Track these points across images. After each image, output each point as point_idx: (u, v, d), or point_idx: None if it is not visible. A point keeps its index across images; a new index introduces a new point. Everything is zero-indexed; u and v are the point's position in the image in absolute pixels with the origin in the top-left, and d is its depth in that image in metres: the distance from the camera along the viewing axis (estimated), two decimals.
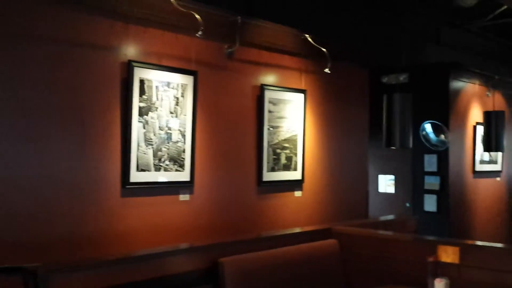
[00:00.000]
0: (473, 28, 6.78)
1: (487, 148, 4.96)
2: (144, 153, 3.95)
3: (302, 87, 5.20)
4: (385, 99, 3.67)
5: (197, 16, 3.95)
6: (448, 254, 3.27)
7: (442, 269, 3.29)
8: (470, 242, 3.70)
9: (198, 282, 3.16)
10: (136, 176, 3.89)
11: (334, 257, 3.77)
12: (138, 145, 3.90)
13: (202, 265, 3.19)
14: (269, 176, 4.88)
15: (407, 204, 6.50)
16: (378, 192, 6.82)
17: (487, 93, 6.90)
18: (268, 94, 4.87)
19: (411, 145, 3.73)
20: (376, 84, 6.57)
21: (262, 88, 4.81)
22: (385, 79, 6.63)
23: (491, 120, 4.85)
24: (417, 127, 6.30)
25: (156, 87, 4.01)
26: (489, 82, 6.86)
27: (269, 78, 4.93)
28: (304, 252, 3.64)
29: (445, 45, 6.61)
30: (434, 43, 6.64)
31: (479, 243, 3.58)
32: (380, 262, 3.63)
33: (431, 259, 3.28)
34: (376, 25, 5.86)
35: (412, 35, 6.21)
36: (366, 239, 3.77)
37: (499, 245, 3.57)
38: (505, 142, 7.21)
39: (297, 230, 4.13)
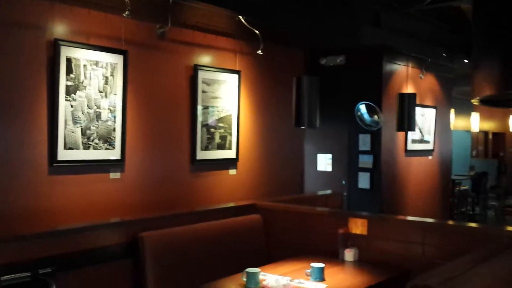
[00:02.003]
0: (412, 11, 7.00)
1: (400, 128, 5.22)
2: (72, 132, 3.99)
3: (237, 68, 5.31)
4: (294, 82, 3.83)
5: None
6: (358, 226, 3.50)
7: (352, 240, 3.52)
8: (377, 215, 3.93)
9: (120, 255, 3.26)
10: (63, 155, 3.93)
11: (257, 231, 3.95)
12: (66, 124, 3.94)
13: (123, 240, 3.29)
14: (203, 154, 5.00)
15: (343, 182, 6.75)
16: (317, 170, 7.05)
17: (420, 75, 7.20)
18: (202, 75, 4.96)
19: (318, 125, 3.91)
20: (314, 66, 6.76)
21: (195, 68, 4.89)
22: (323, 61, 6.82)
23: (404, 102, 5.10)
24: (353, 108, 6.54)
25: (84, 66, 4.04)
26: (422, 65, 7.15)
27: (203, 58, 5.01)
28: (227, 226, 3.80)
29: (385, 28, 6.81)
30: (373, 26, 6.83)
31: (385, 216, 3.83)
32: (299, 235, 3.83)
33: (341, 231, 3.49)
34: (315, 8, 6.01)
35: (352, 18, 6.39)
36: (286, 214, 3.96)
37: (403, 217, 3.83)
38: (439, 122, 7.62)
39: (222, 206, 4.28)
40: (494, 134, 11.71)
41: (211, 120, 5.05)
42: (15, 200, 3.66)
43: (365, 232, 3.48)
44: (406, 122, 5.05)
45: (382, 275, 3.14)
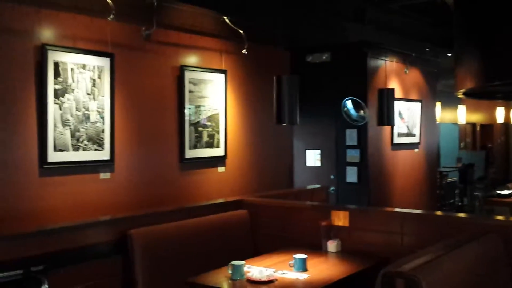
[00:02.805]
0: (396, 7, 7.12)
1: (380, 122, 5.36)
2: (62, 134, 4.09)
3: (223, 67, 5.41)
4: (275, 81, 3.95)
5: (108, 0, 4.08)
6: (340, 218, 3.62)
7: (334, 232, 3.64)
8: (358, 207, 4.06)
9: (110, 252, 3.37)
10: (54, 156, 4.03)
11: (244, 226, 4.07)
12: (55, 126, 4.04)
13: (113, 237, 3.40)
14: (191, 153, 5.11)
15: (332, 176, 6.88)
16: (306, 166, 7.17)
17: (405, 70, 7.33)
18: (188, 75, 5.07)
19: (298, 121, 4.03)
20: (301, 63, 6.88)
21: (182, 68, 5.00)
22: (309, 58, 6.94)
23: (383, 97, 5.24)
24: (340, 103, 6.67)
25: (72, 69, 4.13)
26: (407, 60, 7.29)
27: (189, 59, 5.12)
28: (215, 222, 3.91)
29: (370, 24, 6.92)
30: (358, 23, 6.94)
31: (365, 208, 3.96)
32: (284, 228, 3.96)
33: (324, 223, 3.62)
34: (299, 6, 6.11)
35: (336, 15, 6.50)
36: (272, 208, 4.08)
37: (383, 208, 3.96)
38: (423, 115, 7.75)
39: (209, 202, 4.40)
40: (482, 126, 11.88)
41: (203, 118, 5.16)
42: (6, 202, 3.75)
43: (346, 224, 3.61)
44: (386, 117, 5.18)
45: (362, 264, 3.27)
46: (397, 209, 3.66)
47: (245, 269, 3.13)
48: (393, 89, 5.51)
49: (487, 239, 2.95)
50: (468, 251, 2.74)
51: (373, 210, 3.78)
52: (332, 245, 3.58)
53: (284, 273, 3.13)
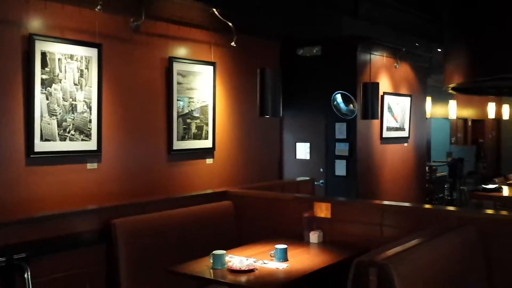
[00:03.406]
0: (390, 1, 7.13)
1: (364, 116, 5.41)
2: (48, 124, 4.11)
3: (212, 59, 5.44)
4: (258, 73, 3.99)
5: None
6: (322, 210, 3.67)
7: (317, 223, 3.69)
8: (340, 199, 4.11)
9: (93, 241, 3.41)
10: (40, 146, 4.06)
11: (228, 217, 4.11)
12: (42, 116, 4.06)
13: (97, 226, 3.43)
14: (179, 144, 5.15)
15: (321, 169, 6.93)
16: (296, 158, 7.22)
17: (395, 64, 7.37)
18: (177, 66, 5.09)
19: (281, 114, 4.07)
20: (291, 56, 6.91)
21: (170, 60, 5.02)
22: (300, 52, 6.96)
23: (368, 91, 5.28)
24: (330, 97, 6.70)
25: (59, 59, 4.16)
26: (397, 54, 7.32)
27: (178, 51, 5.14)
28: (199, 213, 3.95)
29: (362, 18, 6.94)
30: (351, 16, 6.96)
31: (347, 199, 4.01)
32: (268, 219, 4.00)
33: (306, 214, 3.67)
34: (290, 0, 6.12)
35: (329, 8, 6.51)
36: (256, 200, 4.13)
37: (364, 201, 4.01)
38: (412, 110, 7.80)
39: (194, 193, 4.44)
40: (473, 121, 11.96)
41: (193, 110, 5.19)
42: None
43: (328, 216, 3.66)
44: (370, 111, 5.24)
45: (342, 255, 3.31)
46: (378, 201, 3.71)
47: (227, 258, 3.18)
48: (377, 83, 5.57)
49: (464, 230, 3.00)
50: (444, 242, 2.79)
51: (354, 202, 3.83)
52: (314, 236, 3.63)
53: (264, 263, 3.17)
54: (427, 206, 3.78)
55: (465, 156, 10.37)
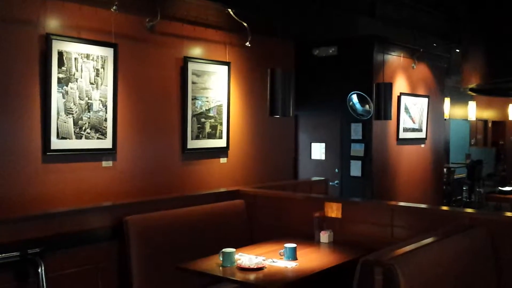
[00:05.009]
0: (407, 1, 7.07)
1: (377, 116, 5.38)
2: (65, 122, 4.19)
3: (227, 59, 5.47)
4: (269, 73, 4.01)
5: None
6: (333, 210, 3.67)
7: (327, 223, 3.69)
8: (351, 199, 4.10)
9: (106, 237, 3.47)
10: (57, 144, 4.14)
11: (240, 216, 4.13)
12: (58, 114, 4.14)
13: (110, 223, 3.49)
14: (193, 144, 5.19)
15: (336, 170, 6.92)
16: (311, 159, 7.22)
17: (412, 65, 7.30)
18: (192, 66, 5.13)
19: (291, 114, 4.08)
20: (308, 56, 6.91)
21: (185, 60, 5.07)
22: (316, 52, 6.96)
23: (380, 91, 5.25)
24: (345, 97, 6.68)
25: (75, 59, 4.23)
26: (415, 55, 7.26)
27: (193, 50, 5.18)
28: (211, 211, 3.98)
29: (380, 18, 6.90)
30: (368, 16, 6.92)
31: (357, 200, 4.00)
32: (279, 218, 4.02)
33: (317, 214, 3.67)
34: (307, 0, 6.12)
35: (346, 8, 6.49)
36: (268, 199, 4.14)
37: (374, 201, 3.99)
38: (430, 111, 7.72)
39: (206, 191, 4.47)
40: (493, 122, 11.77)
41: (209, 109, 5.24)
42: (10, 188, 3.87)
43: (339, 216, 3.66)
44: (383, 111, 5.21)
45: (351, 255, 3.31)
46: (388, 202, 3.69)
47: (236, 256, 3.20)
48: (390, 84, 5.54)
49: (474, 231, 2.97)
50: (453, 243, 2.77)
51: (365, 203, 3.82)
52: (324, 236, 3.63)
53: (273, 261, 3.19)
54: (438, 207, 3.75)
55: (484, 158, 10.22)
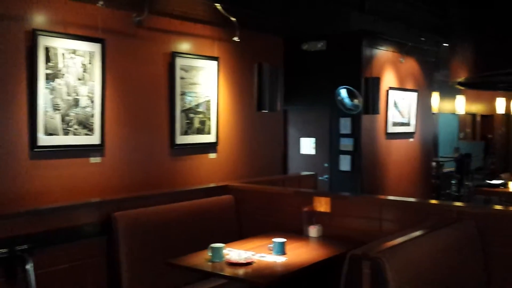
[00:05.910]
0: None
1: (366, 111, 5.40)
2: (52, 118, 4.16)
3: (215, 54, 5.45)
4: (256, 68, 4.00)
5: None
6: (322, 204, 3.68)
7: (316, 217, 3.71)
8: (339, 193, 4.12)
9: (95, 233, 3.46)
10: (44, 140, 4.11)
11: (229, 211, 4.14)
12: (46, 110, 4.11)
13: (98, 219, 3.48)
14: (182, 139, 5.18)
15: (325, 164, 6.94)
16: (301, 153, 7.23)
17: (401, 59, 7.33)
18: (180, 61, 5.11)
19: (278, 108, 4.08)
20: (297, 51, 6.91)
21: (173, 55, 5.04)
22: (305, 46, 6.96)
23: (369, 86, 5.26)
24: (334, 92, 6.69)
25: (62, 54, 4.19)
26: (403, 49, 7.28)
27: (181, 46, 5.16)
28: (200, 206, 3.98)
29: (369, 13, 6.90)
30: (357, 11, 6.91)
31: (346, 194, 4.02)
32: (268, 213, 4.02)
33: (306, 209, 3.68)
34: None
35: (336, 3, 6.48)
36: (256, 194, 4.15)
37: (363, 195, 4.01)
38: (419, 105, 7.76)
39: (195, 187, 4.46)
40: (482, 116, 11.85)
41: (199, 104, 5.22)
42: None
43: (328, 210, 3.67)
44: (371, 106, 5.22)
45: (340, 249, 3.33)
46: (377, 196, 3.71)
47: (225, 251, 3.21)
48: (378, 78, 5.55)
49: (462, 225, 3.00)
50: (441, 237, 2.79)
51: (354, 197, 3.83)
52: (313, 230, 3.64)
53: (262, 256, 3.20)
54: (426, 201, 3.78)
55: (473, 151, 10.27)
